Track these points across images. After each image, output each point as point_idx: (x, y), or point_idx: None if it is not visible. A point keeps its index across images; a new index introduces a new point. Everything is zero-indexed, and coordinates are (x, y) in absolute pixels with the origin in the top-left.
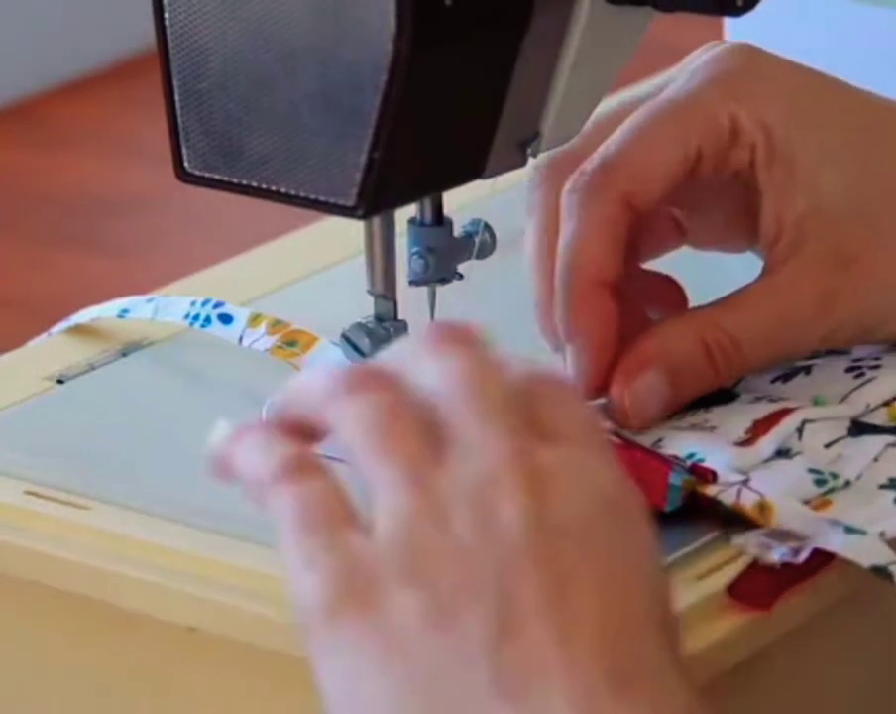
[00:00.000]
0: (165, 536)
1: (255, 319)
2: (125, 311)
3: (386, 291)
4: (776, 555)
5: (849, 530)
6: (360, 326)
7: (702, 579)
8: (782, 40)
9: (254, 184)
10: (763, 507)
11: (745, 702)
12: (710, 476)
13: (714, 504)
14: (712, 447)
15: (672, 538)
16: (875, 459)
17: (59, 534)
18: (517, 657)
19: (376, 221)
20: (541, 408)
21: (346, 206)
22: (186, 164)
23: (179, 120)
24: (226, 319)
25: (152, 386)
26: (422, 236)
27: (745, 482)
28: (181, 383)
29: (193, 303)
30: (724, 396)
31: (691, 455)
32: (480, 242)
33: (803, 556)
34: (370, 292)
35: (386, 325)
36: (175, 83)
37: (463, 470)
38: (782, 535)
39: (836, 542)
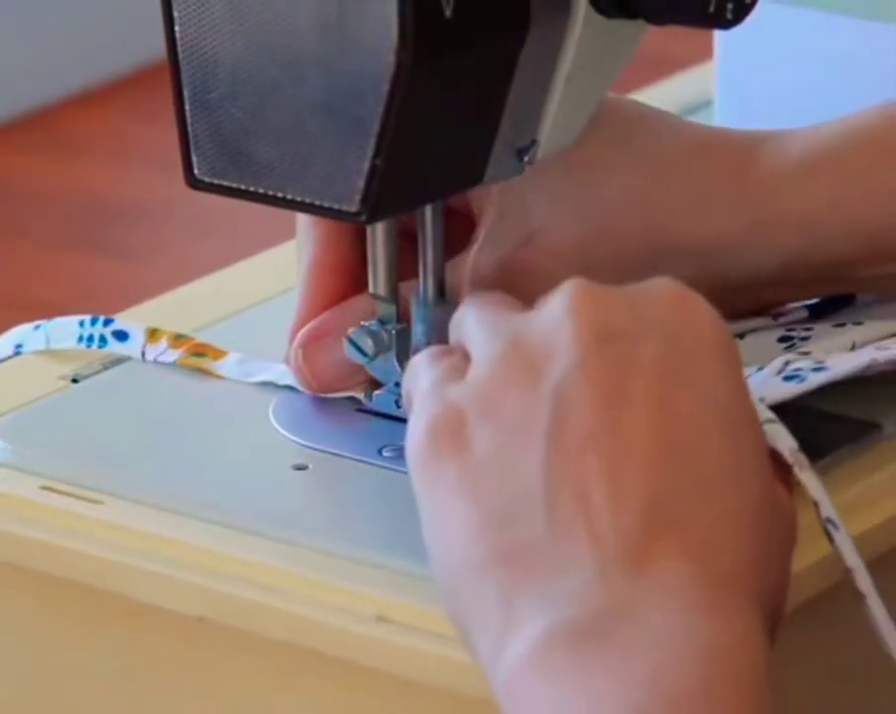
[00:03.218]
0: (175, 530)
1: (153, 334)
2: (19, 346)
3: (388, 294)
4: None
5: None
6: (363, 329)
7: None
8: (771, 53)
9: (261, 191)
10: None
11: None
12: None
13: None
14: None
15: None
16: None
17: (73, 527)
18: (564, 499)
19: (378, 226)
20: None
21: (350, 212)
22: (196, 170)
23: (189, 128)
24: (121, 336)
25: (162, 384)
26: (427, 316)
27: None
28: (191, 381)
29: (82, 323)
30: None
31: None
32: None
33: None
34: (373, 295)
35: (388, 328)
36: (185, 93)
37: (536, 315)
38: None
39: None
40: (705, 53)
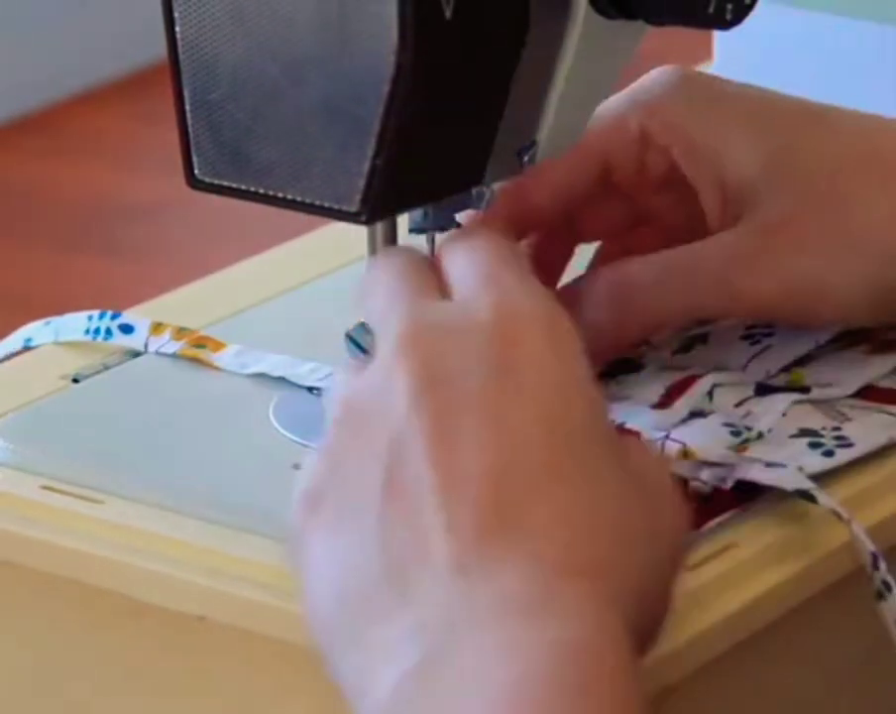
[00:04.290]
0: (175, 529)
1: (157, 328)
2: (29, 340)
3: None
4: (705, 476)
5: (770, 465)
6: (363, 326)
7: (690, 571)
8: (771, 53)
9: (261, 191)
10: (687, 453)
11: (735, 690)
12: (635, 436)
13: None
14: (630, 411)
15: None
16: (784, 414)
17: (74, 526)
18: (395, 537)
19: (378, 226)
20: (443, 270)
21: (350, 212)
22: (197, 171)
23: (190, 129)
24: (127, 329)
25: (163, 385)
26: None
27: (667, 436)
28: (191, 381)
29: (91, 318)
30: (630, 366)
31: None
32: (477, 191)
33: (730, 483)
34: None
35: None
36: (186, 94)
37: (371, 369)
38: (709, 466)
39: (758, 474)
40: (705, 53)
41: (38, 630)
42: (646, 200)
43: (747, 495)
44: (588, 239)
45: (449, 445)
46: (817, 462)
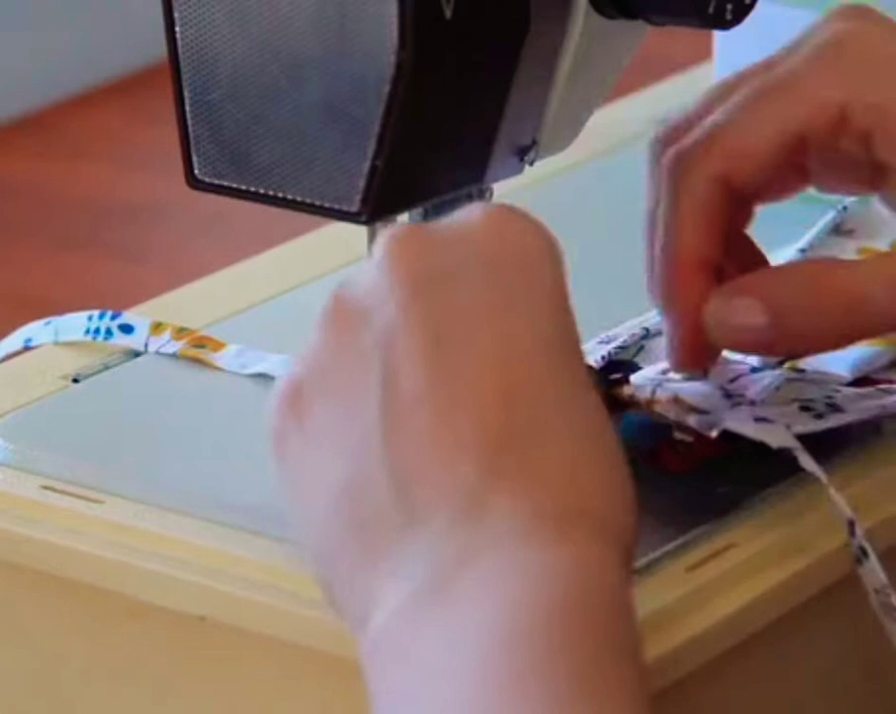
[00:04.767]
0: (175, 529)
1: (157, 327)
2: (29, 340)
3: None
4: (692, 421)
5: (759, 419)
6: None
7: (690, 571)
8: (769, 53)
9: (261, 191)
10: (677, 400)
11: (735, 690)
12: (624, 380)
13: (630, 405)
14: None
15: (662, 532)
16: (777, 388)
17: (74, 526)
18: (400, 458)
19: (378, 226)
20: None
21: (350, 212)
22: (197, 171)
23: (190, 129)
24: (127, 329)
25: (163, 384)
26: None
27: (659, 384)
28: (192, 381)
29: (91, 318)
30: (629, 369)
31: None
32: (478, 191)
33: (716, 431)
34: None
35: None
36: (186, 94)
37: (363, 273)
38: (698, 413)
39: (745, 426)
40: (705, 53)
41: (37, 630)
42: (824, 182)
43: (732, 447)
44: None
45: (447, 354)
46: (806, 423)
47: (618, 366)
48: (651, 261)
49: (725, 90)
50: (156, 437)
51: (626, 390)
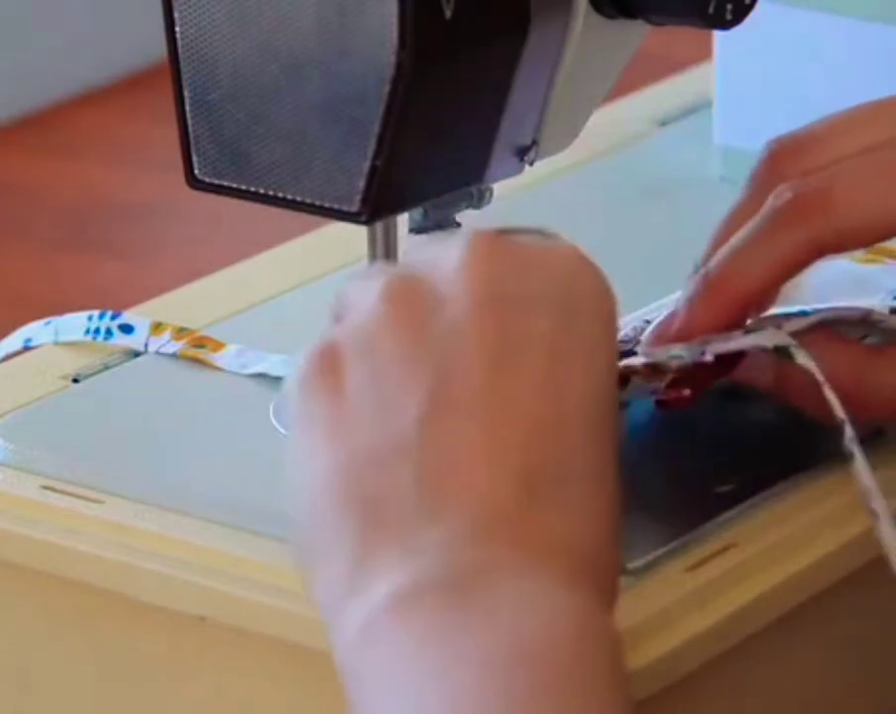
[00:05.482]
0: (175, 529)
1: (157, 327)
2: (29, 340)
3: None
4: (681, 351)
5: (748, 331)
6: None
7: (690, 571)
8: (771, 53)
9: (261, 191)
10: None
11: (735, 690)
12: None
13: (639, 372)
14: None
15: (661, 531)
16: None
17: (74, 526)
18: (434, 453)
19: (378, 226)
20: None
21: (350, 212)
22: (196, 171)
23: (190, 129)
24: (127, 329)
25: (163, 384)
26: None
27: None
28: (192, 381)
29: (91, 318)
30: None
31: None
32: (478, 191)
33: (709, 355)
34: None
35: None
36: (186, 94)
37: (423, 265)
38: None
39: (737, 342)
40: (705, 53)
41: (36, 630)
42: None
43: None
44: None
45: (505, 374)
46: (795, 322)
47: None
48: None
49: (859, 121)
50: (156, 437)
51: (635, 360)
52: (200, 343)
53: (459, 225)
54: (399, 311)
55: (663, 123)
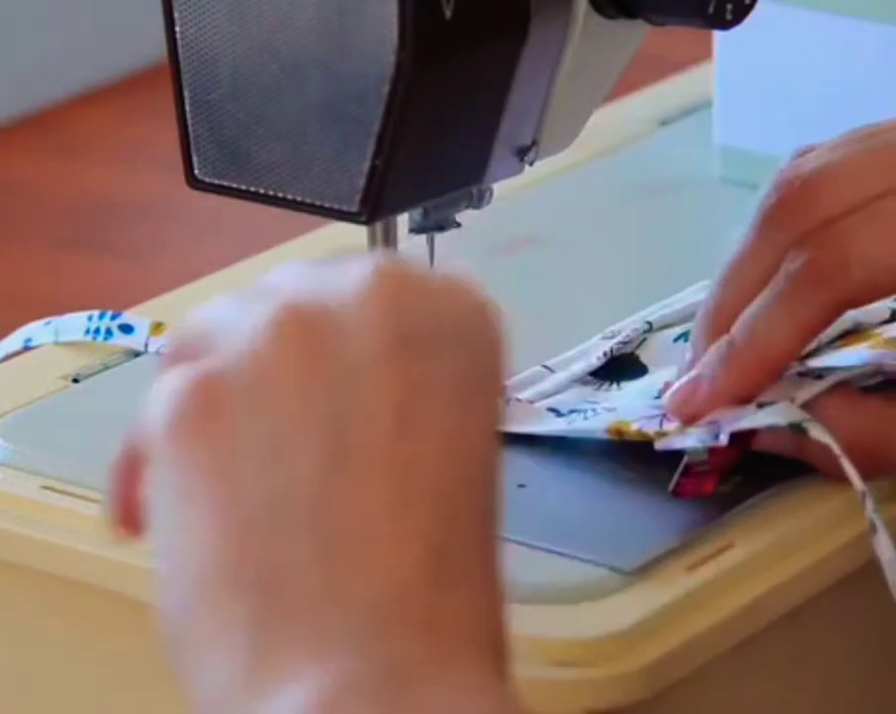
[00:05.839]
0: None
1: (157, 327)
2: (29, 340)
3: None
4: (694, 440)
5: (761, 405)
6: None
7: (691, 571)
8: (771, 53)
9: (261, 191)
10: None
11: (734, 690)
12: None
13: (638, 442)
14: (629, 406)
15: (661, 531)
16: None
17: (74, 526)
18: (338, 518)
19: (378, 226)
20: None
21: (350, 212)
22: (196, 171)
23: (190, 129)
24: (127, 329)
25: None
26: None
27: (664, 416)
28: None
29: (91, 318)
30: (635, 371)
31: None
32: (477, 191)
33: (724, 437)
34: None
35: None
36: (186, 94)
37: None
38: (698, 429)
39: (750, 421)
40: (705, 53)
41: (36, 630)
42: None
43: (744, 493)
44: None
45: (416, 428)
46: (809, 388)
47: (620, 362)
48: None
49: (857, 167)
50: None
51: (632, 427)
52: None
53: (459, 225)
54: (293, 346)
55: (663, 123)
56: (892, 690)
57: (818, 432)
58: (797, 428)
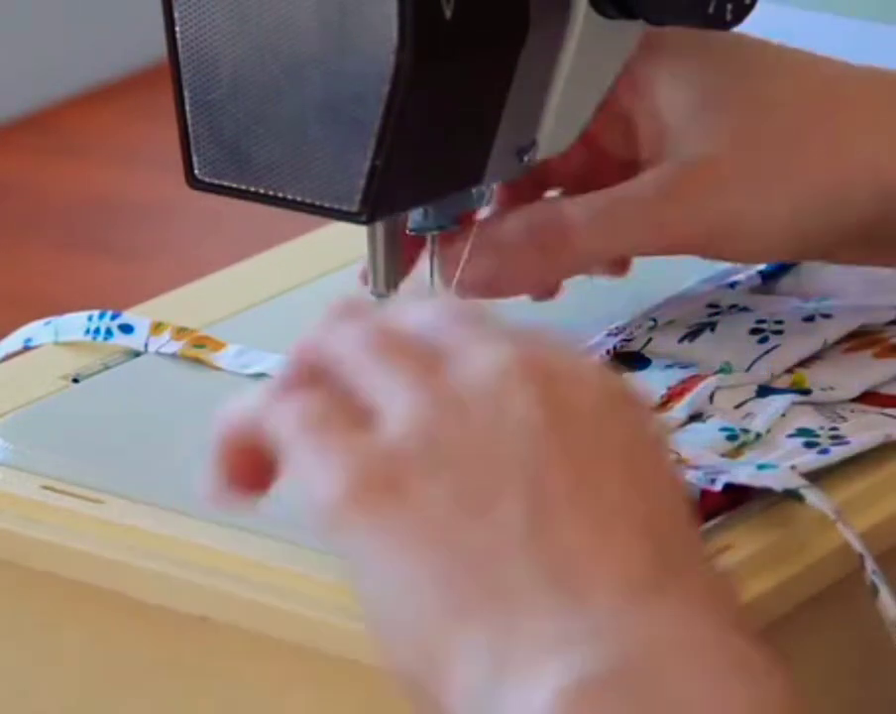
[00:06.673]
0: (175, 529)
1: (157, 327)
2: (29, 340)
3: (388, 292)
4: (692, 478)
5: (761, 466)
6: None
7: None
8: None
9: (261, 191)
10: (680, 461)
11: None
12: None
13: None
14: None
15: None
16: (783, 415)
17: (74, 526)
18: (555, 545)
19: (378, 226)
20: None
21: (350, 212)
22: (196, 171)
23: (190, 129)
24: (127, 329)
25: (163, 384)
26: None
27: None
28: (192, 381)
29: (91, 318)
30: (637, 362)
31: None
32: (477, 191)
33: (719, 485)
34: (373, 293)
35: None
36: (186, 94)
37: (470, 369)
38: (699, 469)
39: (747, 477)
40: None
41: (38, 630)
42: (600, 139)
43: (740, 497)
44: (553, 185)
45: (595, 486)
46: (811, 460)
47: (623, 360)
48: None
49: None
50: (156, 437)
51: None
52: (200, 343)
53: (459, 225)
54: (459, 429)
55: None
56: (886, 690)
57: (814, 498)
58: (793, 495)
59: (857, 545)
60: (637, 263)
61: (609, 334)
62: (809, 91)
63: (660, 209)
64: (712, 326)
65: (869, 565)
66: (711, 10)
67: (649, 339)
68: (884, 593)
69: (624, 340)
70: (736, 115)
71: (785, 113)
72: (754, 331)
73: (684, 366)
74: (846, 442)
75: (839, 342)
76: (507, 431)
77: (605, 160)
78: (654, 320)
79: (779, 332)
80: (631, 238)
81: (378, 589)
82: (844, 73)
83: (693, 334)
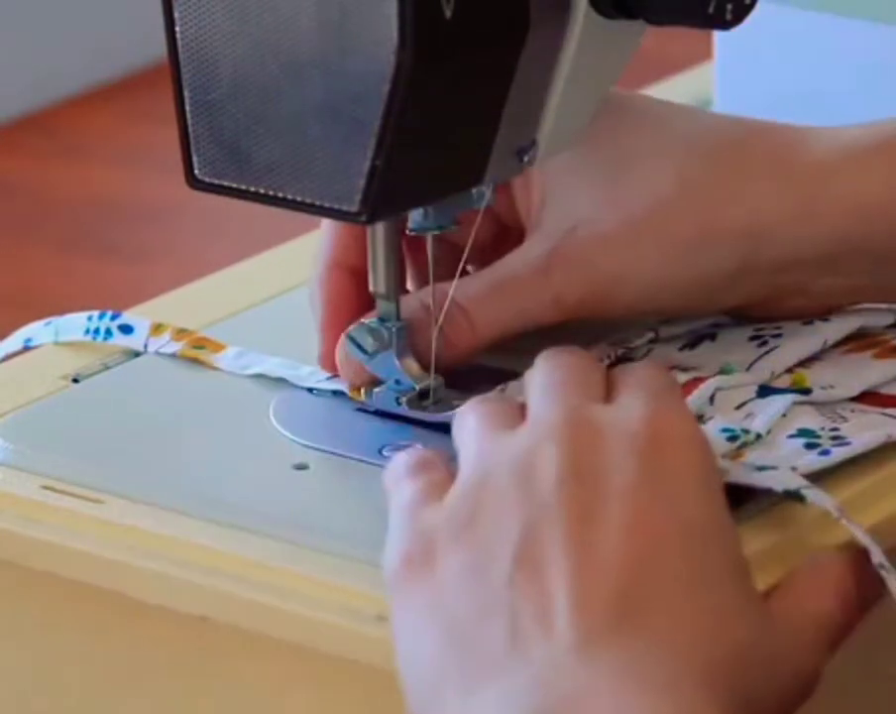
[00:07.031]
0: (175, 529)
1: (157, 328)
2: (29, 340)
3: (388, 292)
4: None
5: (762, 468)
6: (364, 327)
7: None
8: (770, 53)
9: (262, 191)
10: None
11: None
12: None
13: None
14: None
15: None
16: (784, 415)
17: (74, 526)
18: (532, 590)
19: (379, 226)
20: (611, 381)
21: (350, 212)
22: (197, 171)
23: (190, 129)
24: (127, 330)
25: (163, 384)
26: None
27: None
28: (192, 381)
29: (91, 318)
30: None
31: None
32: (477, 191)
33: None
34: (373, 293)
35: (388, 326)
36: (186, 94)
37: (517, 441)
38: None
39: (748, 477)
40: (704, 53)
41: (38, 630)
42: (496, 210)
43: (741, 497)
44: (468, 261)
45: (589, 530)
46: (812, 461)
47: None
48: None
49: None
50: (155, 437)
51: None
52: (200, 344)
53: (459, 225)
54: (488, 499)
55: None
56: (890, 688)
57: (816, 498)
58: (794, 495)
59: (863, 538)
60: None
61: (611, 343)
62: (668, 144)
63: (546, 276)
64: (712, 337)
65: (876, 558)
66: (711, 10)
67: (649, 350)
68: (893, 583)
69: (626, 348)
70: (606, 172)
71: (646, 166)
72: (754, 338)
73: (685, 370)
74: (847, 443)
75: (838, 344)
76: (523, 492)
77: (507, 231)
78: (655, 332)
79: (778, 335)
80: (523, 304)
81: (400, 649)
82: (709, 126)
83: (693, 344)
